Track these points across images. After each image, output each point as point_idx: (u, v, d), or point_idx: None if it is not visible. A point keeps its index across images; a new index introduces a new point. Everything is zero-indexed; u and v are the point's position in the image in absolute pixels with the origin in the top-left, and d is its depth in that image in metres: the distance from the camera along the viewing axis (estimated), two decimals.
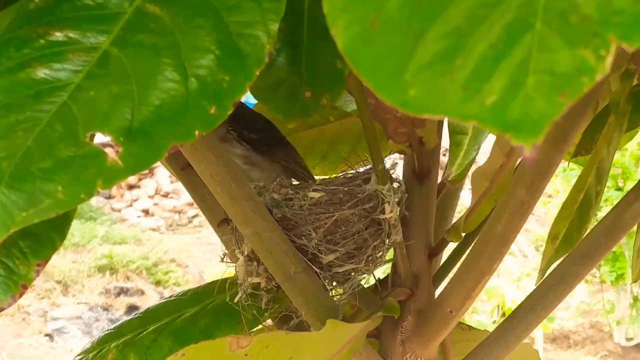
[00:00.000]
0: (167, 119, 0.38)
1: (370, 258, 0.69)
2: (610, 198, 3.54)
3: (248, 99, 0.56)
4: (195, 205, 0.81)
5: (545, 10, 0.26)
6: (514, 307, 0.84)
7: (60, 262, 4.76)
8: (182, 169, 0.75)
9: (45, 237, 0.49)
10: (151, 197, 6.25)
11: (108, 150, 0.38)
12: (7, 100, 0.39)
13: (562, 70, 0.25)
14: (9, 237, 0.37)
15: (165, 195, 6.27)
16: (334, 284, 0.70)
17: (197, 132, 0.38)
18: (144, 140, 0.38)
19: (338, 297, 0.70)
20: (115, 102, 0.39)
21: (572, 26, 0.26)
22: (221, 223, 0.74)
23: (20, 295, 0.48)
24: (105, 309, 4.58)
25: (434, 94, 0.27)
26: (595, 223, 0.65)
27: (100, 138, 0.39)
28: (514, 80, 0.26)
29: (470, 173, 0.75)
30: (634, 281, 0.79)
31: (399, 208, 0.69)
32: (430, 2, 0.28)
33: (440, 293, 0.68)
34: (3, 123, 0.38)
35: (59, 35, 0.40)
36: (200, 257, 5.27)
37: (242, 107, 0.78)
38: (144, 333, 0.75)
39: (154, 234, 5.69)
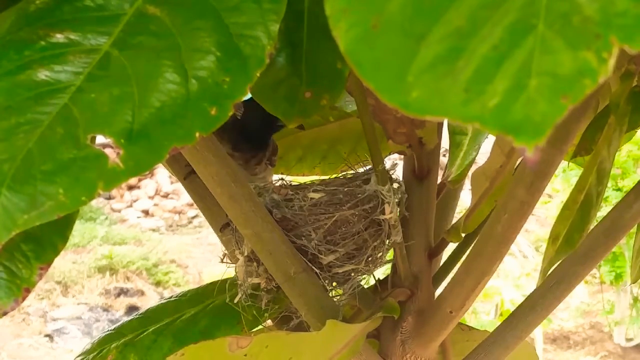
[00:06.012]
0: (168, 121, 0.38)
1: (370, 258, 0.69)
2: (609, 198, 3.55)
3: None
4: (195, 205, 0.81)
5: (547, 11, 0.26)
6: (513, 308, 0.83)
7: (60, 262, 4.76)
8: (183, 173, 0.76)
9: (48, 240, 0.49)
10: (151, 197, 6.25)
11: (108, 151, 0.38)
12: (8, 102, 0.39)
13: (564, 73, 0.25)
14: (12, 241, 0.37)
15: (165, 196, 6.27)
16: (334, 284, 0.70)
17: (197, 134, 0.38)
18: (144, 142, 0.38)
19: (338, 297, 0.70)
20: (116, 104, 0.39)
21: (574, 28, 0.26)
22: (223, 228, 0.74)
23: (23, 299, 0.48)
24: (105, 309, 4.58)
25: (436, 96, 0.27)
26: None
27: (99, 138, 0.39)
28: (516, 82, 0.26)
29: (470, 173, 0.75)
30: (634, 282, 0.79)
31: (398, 208, 0.69)
32: (431, 4, 0.28)
33: (440, 293, 0.68)
34: (4, 125, 0.38)
35: (59, 37, 0.40)
36: (200, 257, 5.27)
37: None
38: (144, 334, 0.75)
39: (154, 234, 5.69)
